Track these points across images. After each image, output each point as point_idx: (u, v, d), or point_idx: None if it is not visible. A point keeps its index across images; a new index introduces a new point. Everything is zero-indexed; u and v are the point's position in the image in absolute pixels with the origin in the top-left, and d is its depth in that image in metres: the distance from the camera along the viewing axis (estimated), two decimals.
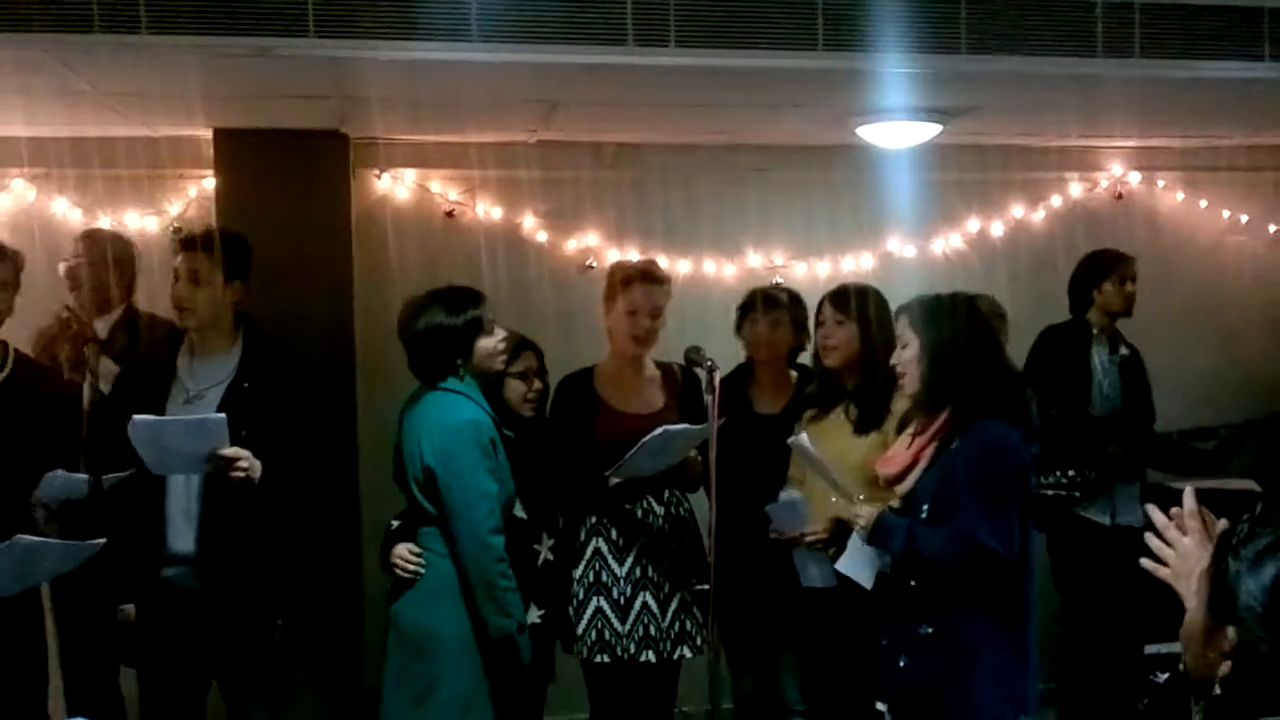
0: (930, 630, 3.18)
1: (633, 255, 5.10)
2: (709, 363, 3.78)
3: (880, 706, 3.36)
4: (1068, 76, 4.17)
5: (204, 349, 3.72)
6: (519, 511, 3.70)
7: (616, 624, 3.99)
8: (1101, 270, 5.13)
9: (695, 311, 4.88)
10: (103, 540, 3.27)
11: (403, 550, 3.60)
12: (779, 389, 4.30)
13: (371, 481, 4.71)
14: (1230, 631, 1.62)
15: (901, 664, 3.24)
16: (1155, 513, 2.11)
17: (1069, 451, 4.80)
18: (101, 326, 4.33)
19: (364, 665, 4.61)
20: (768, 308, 4.30)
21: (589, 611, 4.01)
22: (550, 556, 3.97)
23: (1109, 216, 6.03)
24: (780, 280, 5.34)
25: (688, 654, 4.05)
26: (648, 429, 3.79)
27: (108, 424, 3.55)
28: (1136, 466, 5.07)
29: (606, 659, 3.99)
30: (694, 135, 5.47)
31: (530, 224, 5.51)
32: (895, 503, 3.41)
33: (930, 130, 4.89)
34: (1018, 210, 6.01)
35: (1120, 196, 6.12)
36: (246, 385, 3.64)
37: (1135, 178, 6.14)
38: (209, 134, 4.92)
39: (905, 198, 5.52)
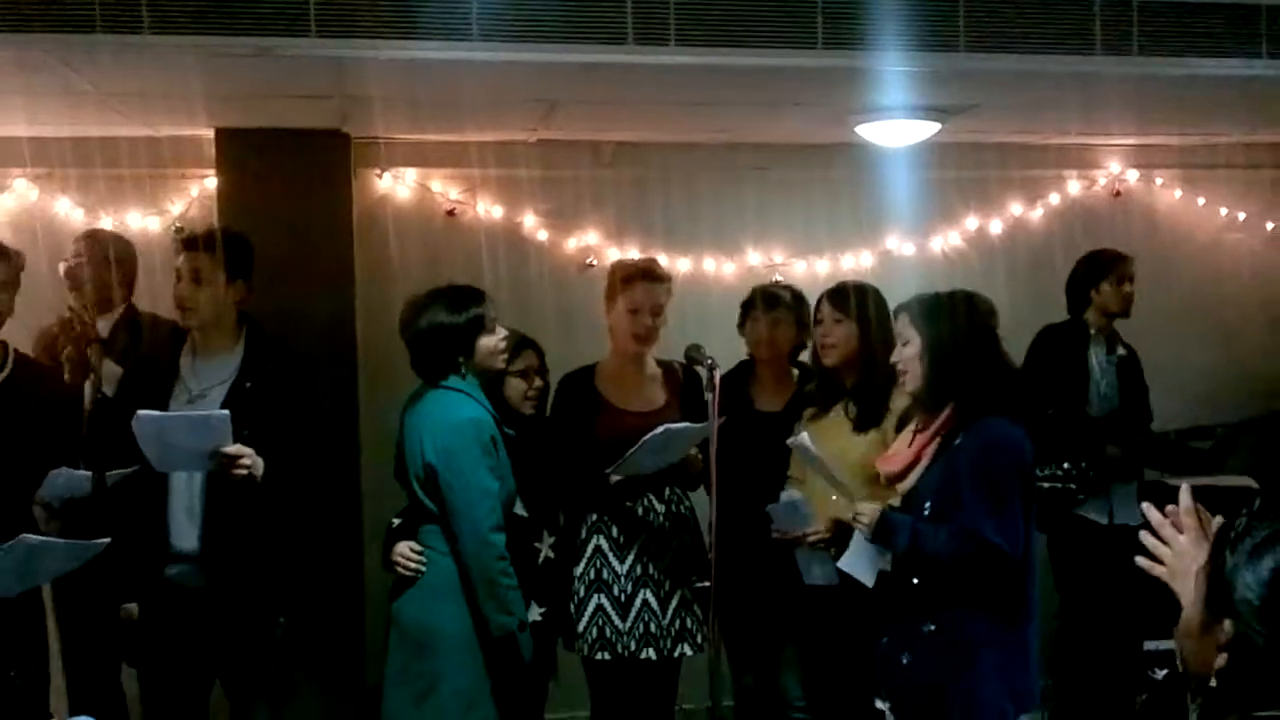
0: (933, 628, 3.19)
1: (633, 254, 5.11)
2: (709, 361, 3.78)
3: (881, 705, 3.36)
4: (1066, 74, 4.18)
5: (206, 348, 3.73)
6: (520, 509, 3.70)
7: (617, 621, 4.00)
8: (1099, 270, 5.14)
9: (695, 310, 4.89)
10: (107, 539, 3.28)
11: (404, 548, 3.60)
12: (780, 387, 4.31)
13: (373, 480, 4.72)
14: (1226, 625, 1.63)
15: (904, 662, 3.24)
16: (1151, 511, 2.11)
17: (1067, 451, 4.81)
18: (103, 326, 4.33)
19: (366, 663, 4.63)
20: (769, 306, 4.31)
21: (590, 609, 4.02)
22: (551, 554, 3.98)
23: (1107, 214, 6.04)
24: (780, 278, 5.35)
25: (688, 651, 4.06)
26: (649, 427, 3.80)
27: (111, 423, 3.56)
28: (1134, 466, 5.08)
29: (607, 656, 4.00)
30: (694, 134, 5.48)
31: (531, 223, 5.52)
32: (895, 501, 3.41)
33: (929, 128, 4.90)
34: (1016, 208, 6.02)
35: (1118, 194, 6.13)
36: (249, 384, 3.64)
37: (1133, 175, 6.15)
38: (211, 134, 4.93)
39: (904, 196, 5.53)
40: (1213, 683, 1.68)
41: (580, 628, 4.02)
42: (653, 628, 4.00)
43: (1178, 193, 6.21)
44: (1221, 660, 1.65)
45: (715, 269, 5.66)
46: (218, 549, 3.58)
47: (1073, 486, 4.81)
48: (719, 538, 3.74)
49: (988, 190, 5.96)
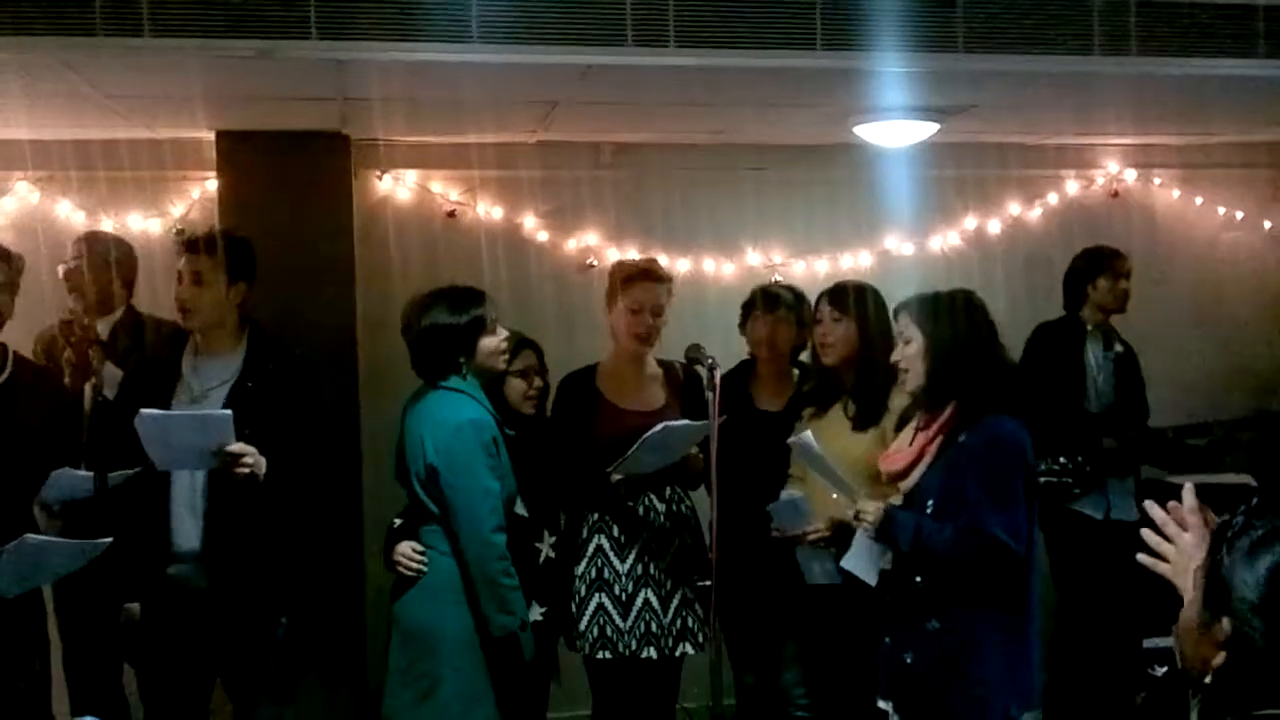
0: (937, 626, 3.20)
1: (632, 254, 5.12)
2: (710, 360, 3.79)
3: (884, 705, 3.37)
4: (1064, 74, 4.19)
5: (208, 349, 3.73)
6: (520, 509, 3.71)
7: (618, 620, 4.01)
8: (1096, 267, 5.16)
9: (694, 310, 4.90)
10: (110, 539, 3.29)
11: (405, 548, 3.61)
12: (781, 386, 4.31)
13: (374, 480, 4.73)
14: (1225, 623, 1.64)
15: (908, 660, 3.25)
16: (1154, 508, 2.11)
17: (1063, 446, 4.83)
18: (102, 328, 4.33)
19: (367, 664, 4.64)
20: (770, 306, 4.31)
21: (591, 608, 4.03)
22: (552, 554, 3.99)
23: (1105, 213, 6.05)
24: (780, 278, 5.37)
25: (689, 650, 4.06)
26: (649, 427, 3.81)
27: (113, 423, 3.57)
28: (1130, 461, 5.09)
29: (608, 655, 4.01)
30: (693, 135, 5.49)
31: (531, 224, 5.53)
32: (896, 499, 3.42)
33: (927, 129, 4.91)
34: (1014, 208, 6.03)
35: (1116, 194, 6.15)
36: (250, 385, 3.65)
37: (1131, 175, 6.17)
38: (211, 136, 4.95)
39: (903, 196, 5.55)
40: (1208, 680, 1.69)
41: (581, 627, 4.03)
42: (654, 627, 4.01)
43: (1175, 192, 6.22)
44: (1220, 659, 1.66)
45: (715, 269, 5.68)
46: (221, 548, 3.59)
47: (1069, 481, 4.83)
48: (720, 537, 3.75)
49: (986, 190, 5.97)
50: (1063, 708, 5.03)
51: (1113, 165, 6.15)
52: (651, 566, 4.04)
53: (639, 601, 4.02)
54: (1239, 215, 6.26)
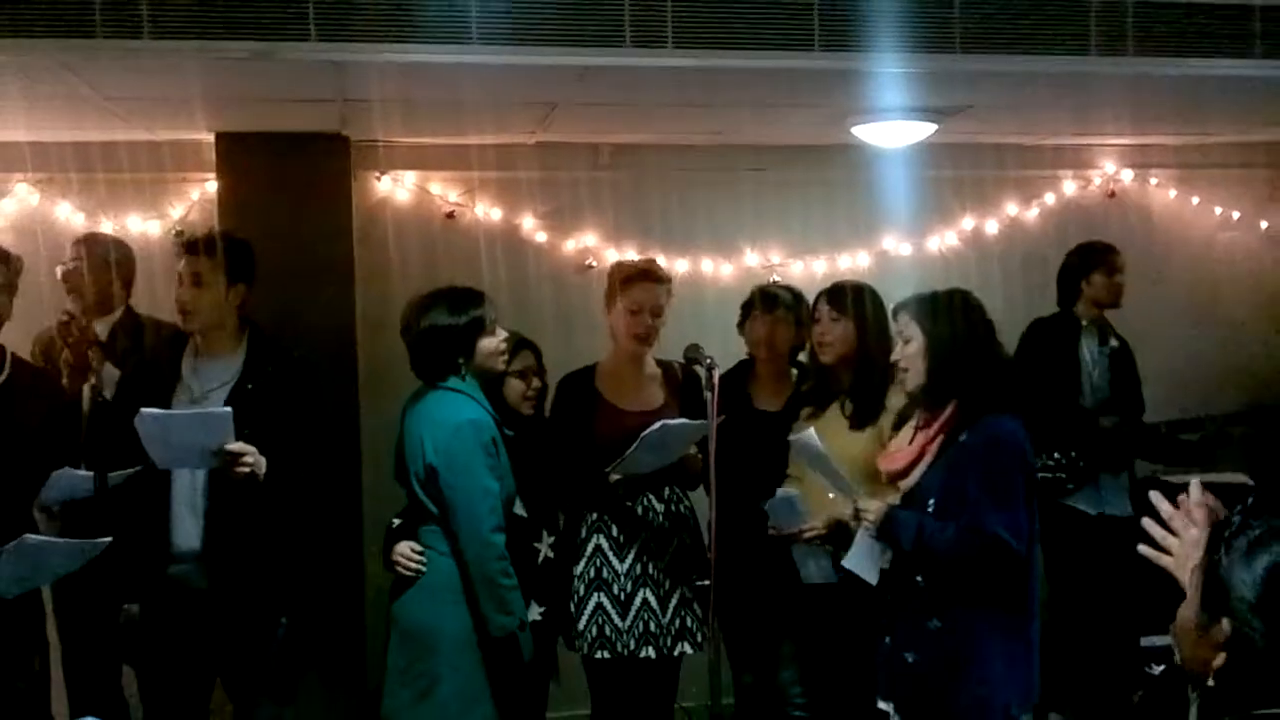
0: (939, 625, 3.20)
1: (631, 255, 5.13)
2: (708, 360, 3.79)
3: (884, 705, 3.37)
4: (1061, 75, 4.20)
5: (208, 351, 3.74)
6: (519, 509, 3.71)
7: (617, 620, 4.02)
8: (1090, 262, 5.17)
9: (693, 310, 4.91)
10: (109, 539, 3.29)
11: (404, 548, 3.61)
12: (779, 386, 4.32)
13: (373, 481, 4.74)
14: (1225, 624, 1.64)
15: (910, 660, 3.25)
16: (1161, 501, 2.11)
17: (1058, 441, 4.84)
18: (100, 329, 4.34)
19: (366, 663, 4.64)
20: (769, 306, 4.32)
21: (590, 608, 4.03)
22: (550, 554, 4.00)
23: (1102, 214, 6.06)
24: (778, 279, 5.37)
25: (688, 650, 4.07)
26: (648, 426, 3.81)
27: (113, 424, 3.58)
28: (1124, 457, 5.10)
29: (607, 655, 4.01)
30: (691, 135, 5.50)
31: (529, 225, 5.54)
32: (893, 498, 3.43)
33: (925, 129, 4.92)
34: (1012, 208, 6.05)
35: (1113, 194, 6.16)
36: (250, 387, 3.66)
37: (1128, 175, 6.18)
38: (211, 138, 4.95)
39: (901, 196, 5.56)
40: (1211, 682, 1.70)
41: (580, 626, 4.03)
42: (652, 626, 4.02)
43: (1172, 192, 6.24)
44: (1220, 659, 1.66)
45: (713, 270, 5.68)
46: (221, 549, 3.59)
47: (1062, 476, 4.84)
48: (718, 537, 3.75)
49: (984, 190, 5.98)
50: (1057, 703, 5.04)
51: (1110, 165, 6.16)
52: (650, 566, 4.04)
53: (638, 601, 4.02)
54: (1236, 215, 6.27)
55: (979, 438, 3.21)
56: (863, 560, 3.43)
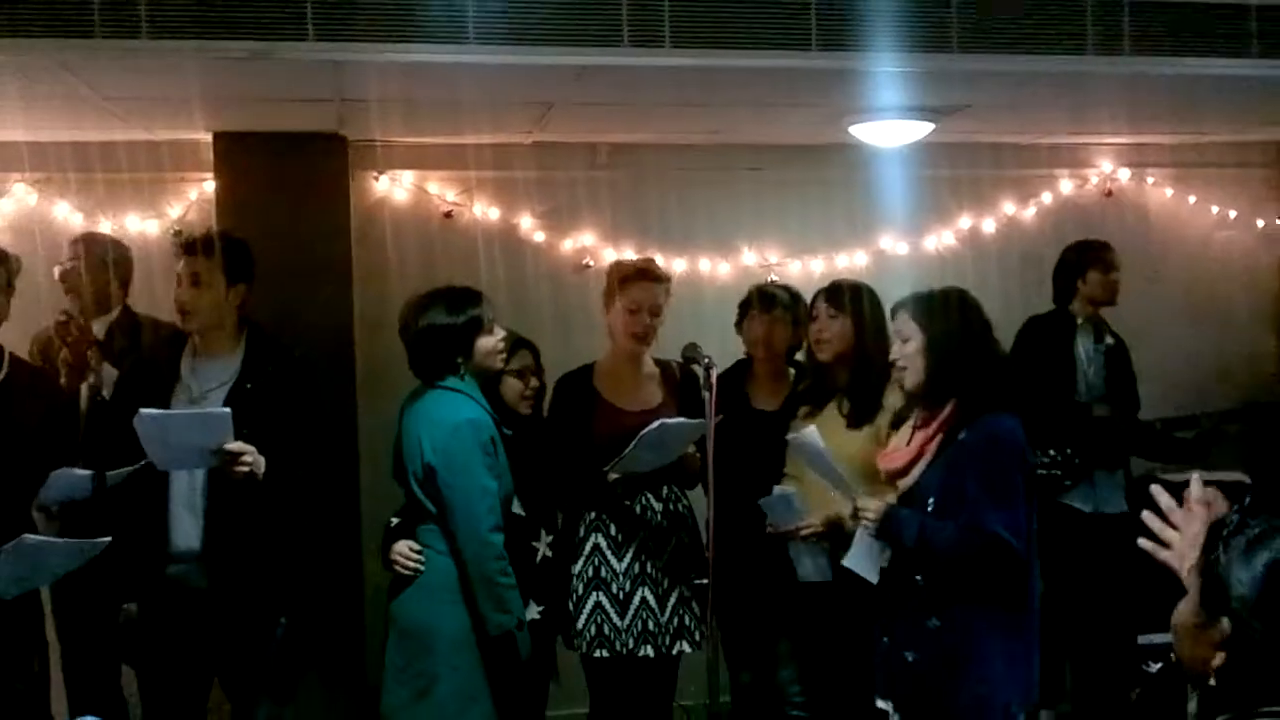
0: (938, 624, 3.20)
1: (629, 254, 5.13)
2: (706, 359, 3.79)
3: (883, 704, 3.37)
4: (1058, 74, 4.21)
5: (207, 351, 3.74)
6: (517, 508, 3.71)
7: (615, 619, 4.02)
8: (1085, 260, 5.17)
9: (691, 309, 4.91)
10: (108, 539, 3.28)
11: (402, 547, 3.61)
12: (777, 385, 4.32)
13: (372, 480, 4.74)
14: (1224, 622, 1.64)
15: (909, 659, 3.26)
16: (1163, 495, 2.11)
17: (1053, 438, 4.84)
18: (98, 328, 4.34)
19: (365, 662, 4.64)
20: (766, 306, 4.33)
21: (588, 607, 4.04)
22: (549, 553, 3.99)
23: (1099, 213, 6.07)
24: (775, 278, 5.38)
25: (686, 649, 4.07)
26: (646, 425, 3.81)
27: (111, 424, 3.58)
28: (1119, 452, 5.11)
29: (605, 654, 4.02)
30: (689, 135, 5.50)
31: (527, 224, 5.54)
32: (891, 497, 3.43)
33: (922, 129, 4.93)
34: (1009, 207, 6.06)
35: (1110, 193, 6.17)
36: (249, 386, 3.65)
37: (1125, 174, 6.19)
38: (209, 137, 4.96)
39: (898, 195, 5.56)
40: (1211, 681, 1.70)
41: (579, 625, 4.04)
42: (651, 625, 4.02)
43: (1169, 191, 6.25)
44: (1220, 659, 1.66)
45: (711, 269, 5.69)
46: (220, 548, 3.59)
47: (1058, 474, 4.84)
48: (716, 536, 3.76)
49: (981, 190, 5.99)
50: (1052, 701, 5.05)
51: (1106, 165, 6.17)
52: (649, 565, 4.05)
53: (636, 600, 4.03)
54: (1232, 214, 6.28)
55: (978, 436, 3.21)
56: (863, 559, 3.43)
